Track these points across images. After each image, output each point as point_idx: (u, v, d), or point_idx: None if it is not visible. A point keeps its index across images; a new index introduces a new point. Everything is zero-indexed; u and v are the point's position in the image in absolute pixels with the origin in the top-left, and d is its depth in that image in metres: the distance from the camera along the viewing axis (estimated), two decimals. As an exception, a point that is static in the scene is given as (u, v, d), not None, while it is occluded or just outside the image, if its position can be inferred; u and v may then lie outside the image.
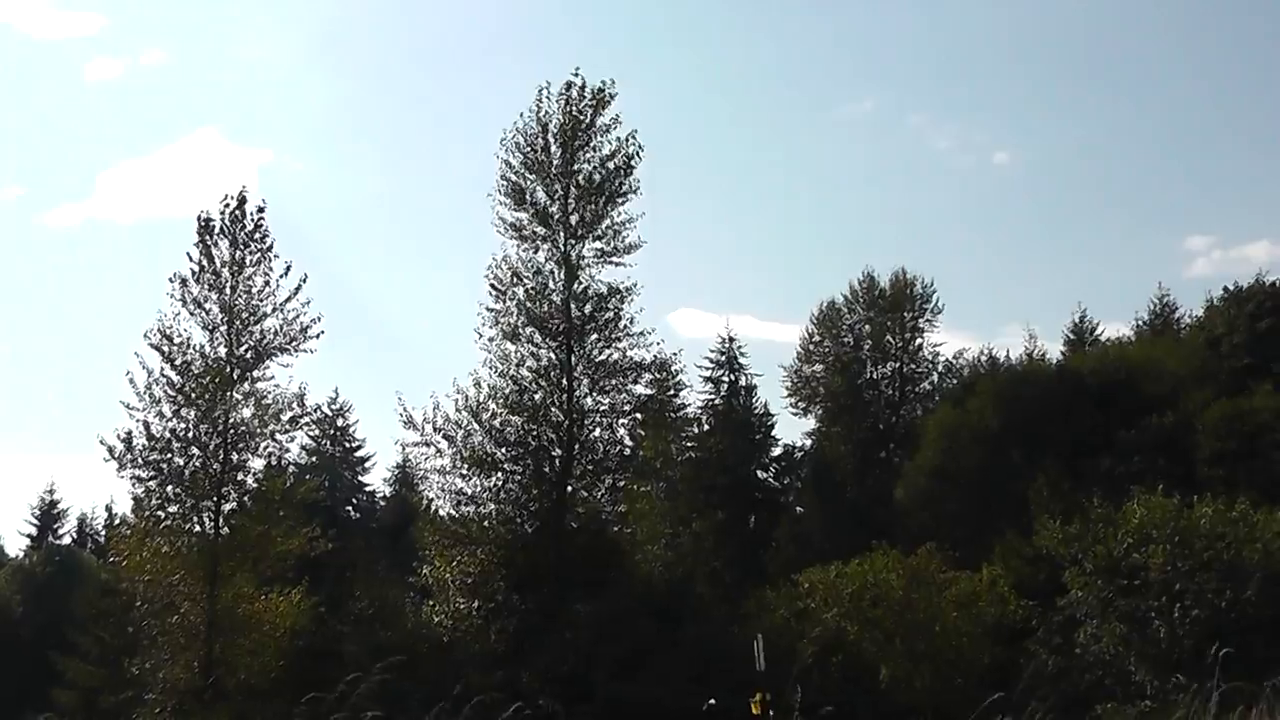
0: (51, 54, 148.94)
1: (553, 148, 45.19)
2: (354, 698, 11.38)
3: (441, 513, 47.57)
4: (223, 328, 41.81)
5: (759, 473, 70.32)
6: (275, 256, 42.32)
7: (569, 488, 45.15)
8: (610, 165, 45.06)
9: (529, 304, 44.97)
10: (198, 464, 41.43)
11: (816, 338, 73.06)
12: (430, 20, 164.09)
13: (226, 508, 41.87)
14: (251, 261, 42.12)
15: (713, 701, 31.16)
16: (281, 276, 42.20)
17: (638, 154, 45.01)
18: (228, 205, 42.17)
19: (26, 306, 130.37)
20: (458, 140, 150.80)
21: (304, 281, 42.11)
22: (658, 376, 46.37)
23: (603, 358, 45.28)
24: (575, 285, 45.12)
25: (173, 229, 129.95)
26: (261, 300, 42.05)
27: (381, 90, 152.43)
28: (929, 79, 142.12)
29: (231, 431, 41.64)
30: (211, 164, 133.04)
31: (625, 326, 45.23)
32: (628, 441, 46.72)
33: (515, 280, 45.18)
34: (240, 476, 42.34)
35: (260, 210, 42.54)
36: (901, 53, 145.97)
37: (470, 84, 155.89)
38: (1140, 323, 71.91)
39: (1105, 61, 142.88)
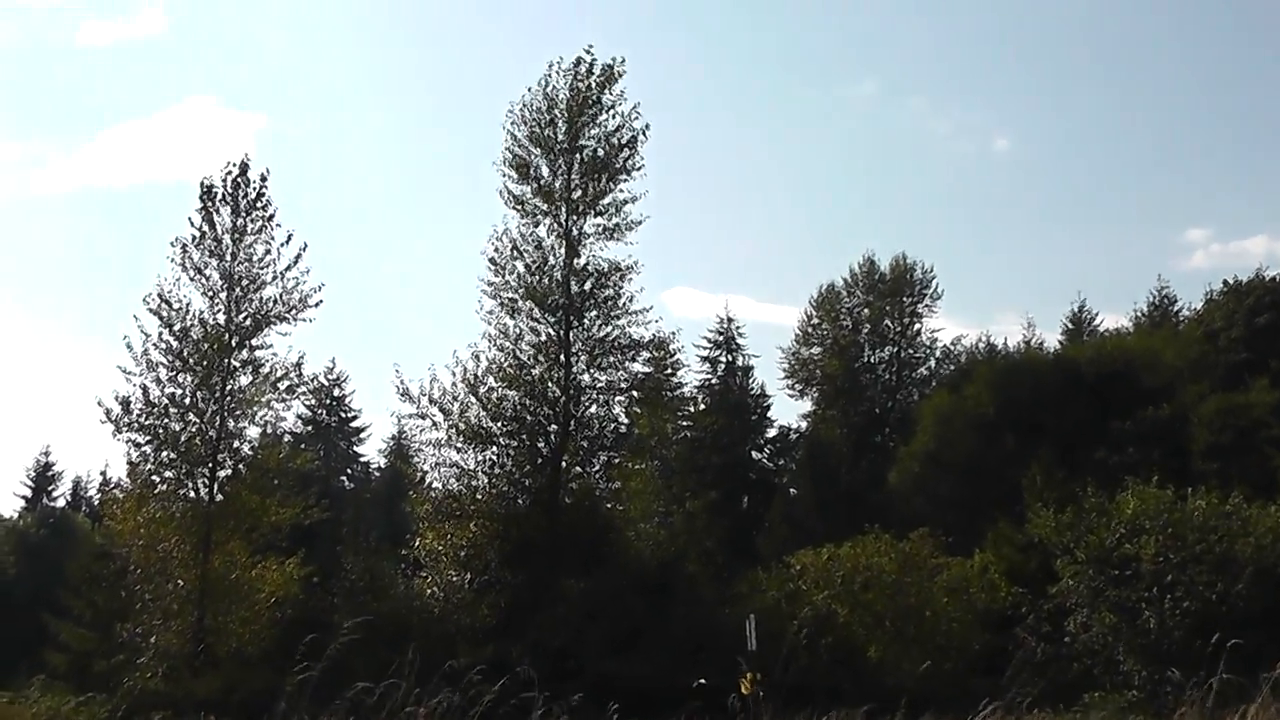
0: (44, 18, 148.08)
1: (559, 122, 45.05)
2: (333, 661, 11.30)
3: (436, 485, 47.59)
4: (222, 294, 41.90)
5: (753, 454, 70.57)
6: (277, 225, 42.47)
7: (564, 463, 45.15)
8: (614, 141, 44.98)
9: (529, 278, 44.92)
10: (194, 430, 41.49)
11: (815, 320, 73.25)
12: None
13: (221, 475, 41.99)
14: (253, 229, 42.21)
15: (703, 680, 31.23)
16: (282, 245, 42.33)
17: (643, 133, 45.02)
18: (230, 172, 42.25)
19: (20, 271, 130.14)
20: (458, 109, 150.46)
21: (304, 250, 42.27)
22: (655, 355, 46.35)
23: (601, 334, 45.23)
24: (575, 261, 45.06)
25: (168, 194, 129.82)
26: (262, 268, 42.18)
27: (380, 57, 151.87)
28: (930, 63, 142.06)
29: (228, 399, 41.71)
30: (207, 129, 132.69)
31: (624, 304, 45.14)
32: (623, 419, 46.72)
33: (515, 254, 45.12)
34: (236, 444, 42.51)
35: (263, 178, 42.72)
36: (902, 35, 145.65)
37: (470, 54, 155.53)
38: (1138, 314, 72.28)
39: (1108, 51, 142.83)
